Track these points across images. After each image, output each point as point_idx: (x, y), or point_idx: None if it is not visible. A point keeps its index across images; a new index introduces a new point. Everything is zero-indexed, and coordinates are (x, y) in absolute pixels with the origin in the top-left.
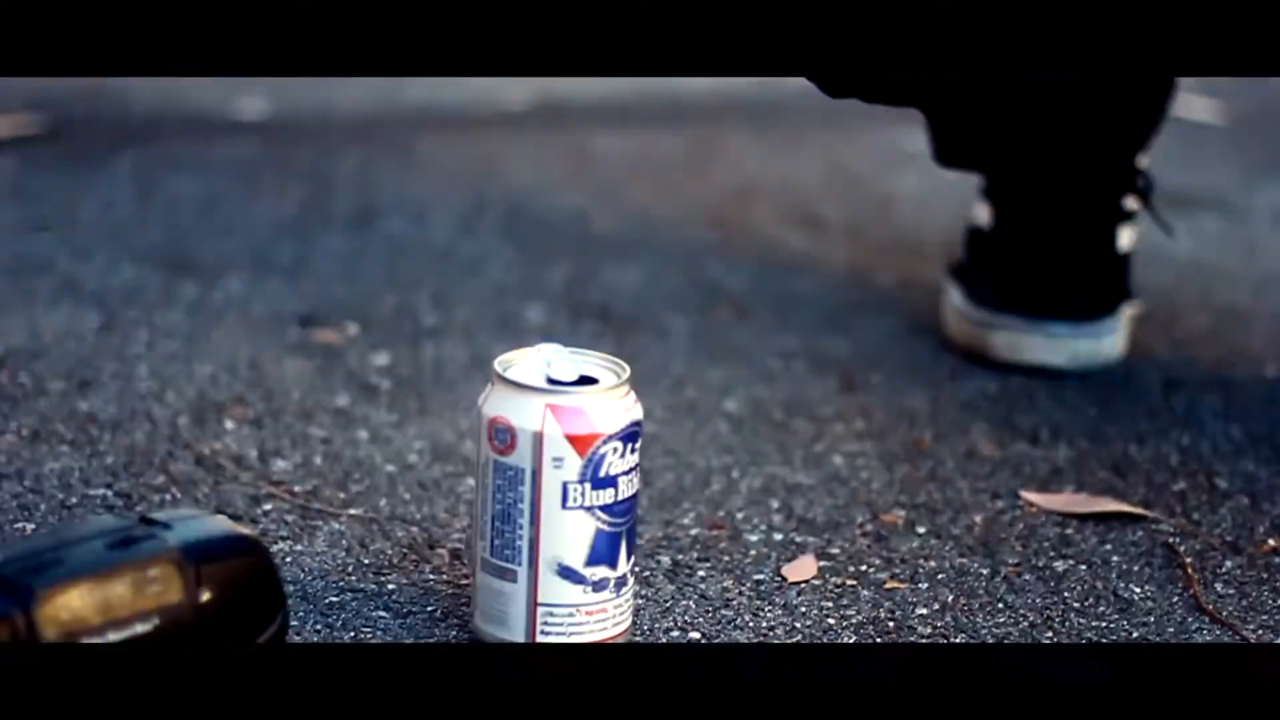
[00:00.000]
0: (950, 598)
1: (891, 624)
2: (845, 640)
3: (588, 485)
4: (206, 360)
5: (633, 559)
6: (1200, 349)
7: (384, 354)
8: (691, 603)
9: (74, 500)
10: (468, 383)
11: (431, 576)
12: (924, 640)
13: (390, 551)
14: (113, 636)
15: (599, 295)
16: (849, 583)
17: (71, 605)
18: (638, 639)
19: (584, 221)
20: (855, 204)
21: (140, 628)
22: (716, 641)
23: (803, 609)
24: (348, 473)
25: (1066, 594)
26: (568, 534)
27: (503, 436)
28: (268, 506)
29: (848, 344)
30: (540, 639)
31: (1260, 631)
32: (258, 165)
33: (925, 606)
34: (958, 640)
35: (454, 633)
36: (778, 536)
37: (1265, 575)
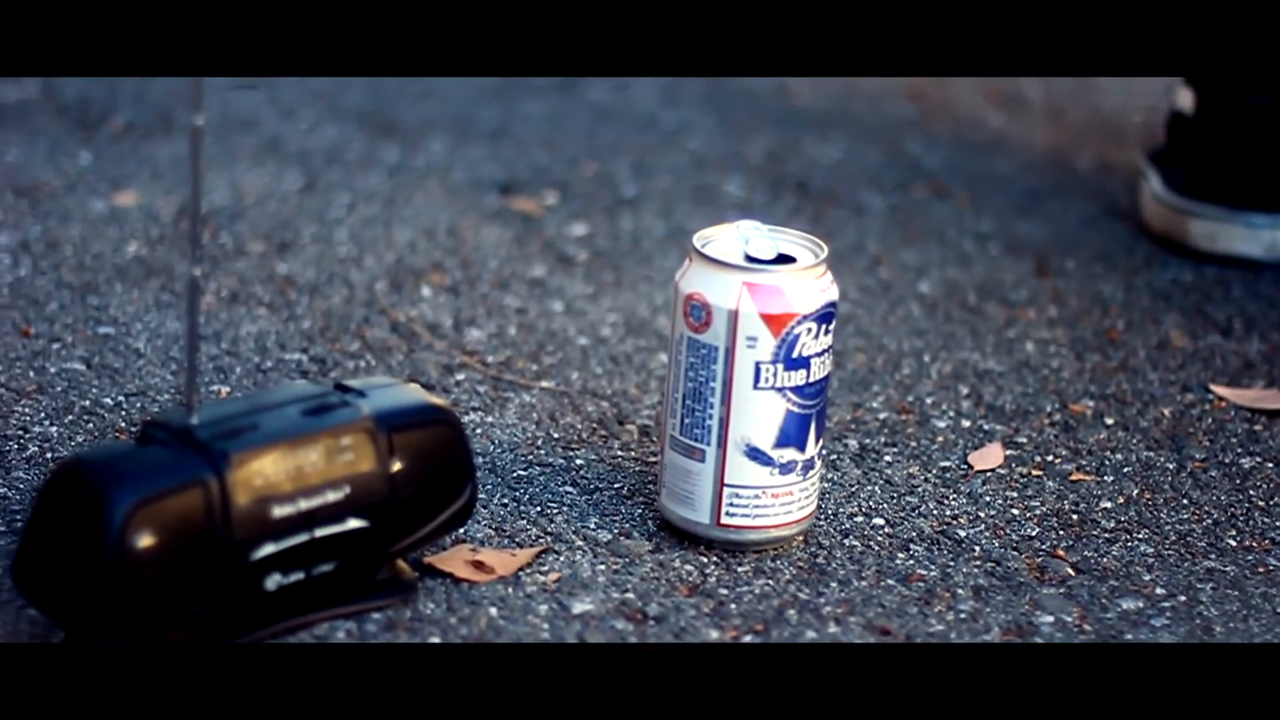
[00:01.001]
0: (1135, 491)
1: (1075, 517)
2: (1029, 532)
3: (780, 366)
4: (405, 226)
5: (821, 442)
6: None
7: (582, 224)
8: (877, 488)
9: (269, 364)
10: (664, 256)
11: (620, 453)
12: (1107, 534)
13: (580, 426)
14: (304, 504)
15: (797, 169)
16: (1034, 473)
17: (264, 471)
18: (821, 523)
19: (784, 94)
20: (1056, 83)
21: (331, 496)
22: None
23: (987, 498)
24: (541, 344)
25: (1252, 491)
26: (758, 415)
27: (698, 313)
28: (460, 376)
29: (1043, 227)
30: (725, 520)
31: None
32: None
33: (1109, 500)
34: (1140, 535)
35: (640, 510)
36: (966, 423)
37: None
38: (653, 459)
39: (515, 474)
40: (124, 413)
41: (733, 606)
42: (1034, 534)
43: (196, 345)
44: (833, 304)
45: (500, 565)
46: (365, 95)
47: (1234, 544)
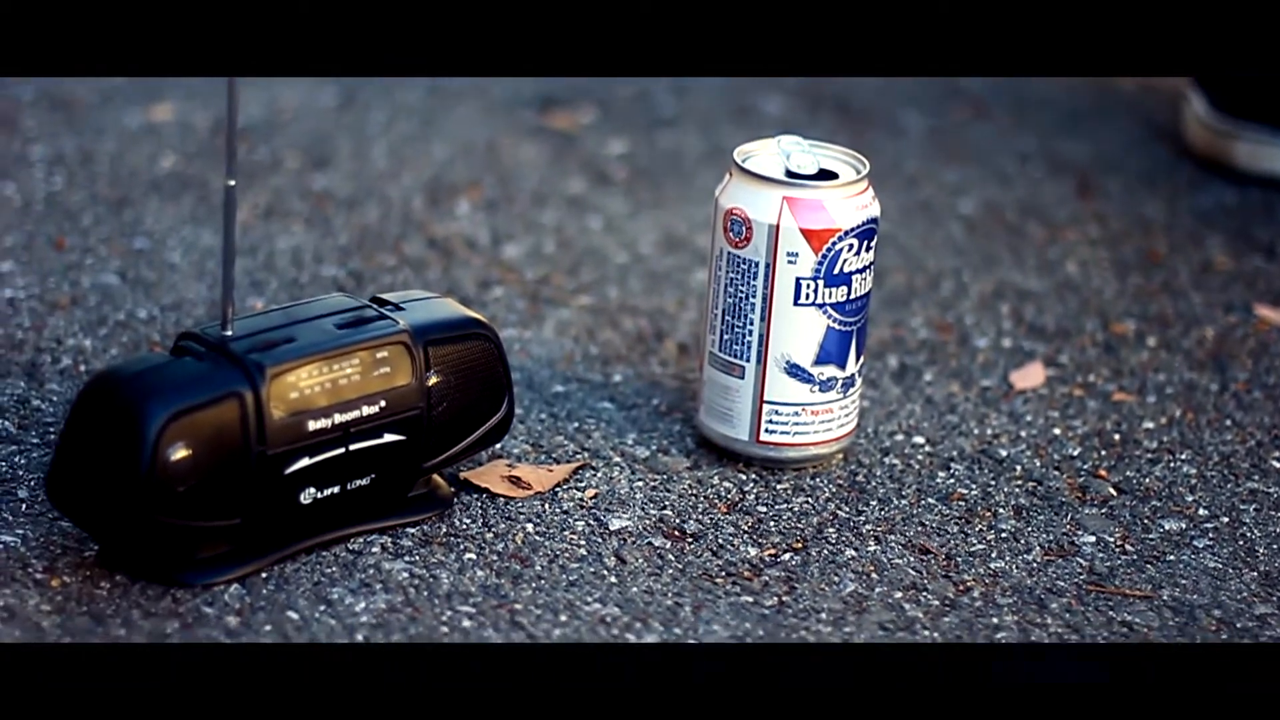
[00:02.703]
0: (1178, 412)
1: (1117, 437)
2: (1071, 451)
3: (821, 282)
4: (443, 142)
5: (861, 360)
6: None
7: (620, 142)
8: (917, 407)
9: (305, 279)
10: (703, 174)
11: (658, 369)
12: (1149, 454)
13: (618, 342)
14: (339, 418)
15: (837, 90)
16: (1076, 393)
17: (300, 384)
18: (861, 442)
19: None
20: None
21: (367, 409)
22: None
23: (1028, 418)
24: (579, 261)
25: None
26: (798, 331)
27: (738, 228)
28: (498, 292)
29: (1085, 147)
30: (764, 438)
31: None
32: None
33: (1152, 420)
34: (1182, 456)
35: (678, 427)
36: (1006, 343)
37: None
38: (691, 375)
39: (553, 390)
40: (158, 326)
41: (771, 524)
42: (1076, 454)
43: (232, 258)
44: (874, 220)
45: (537, 481)
46: None
47: (1277, 465)
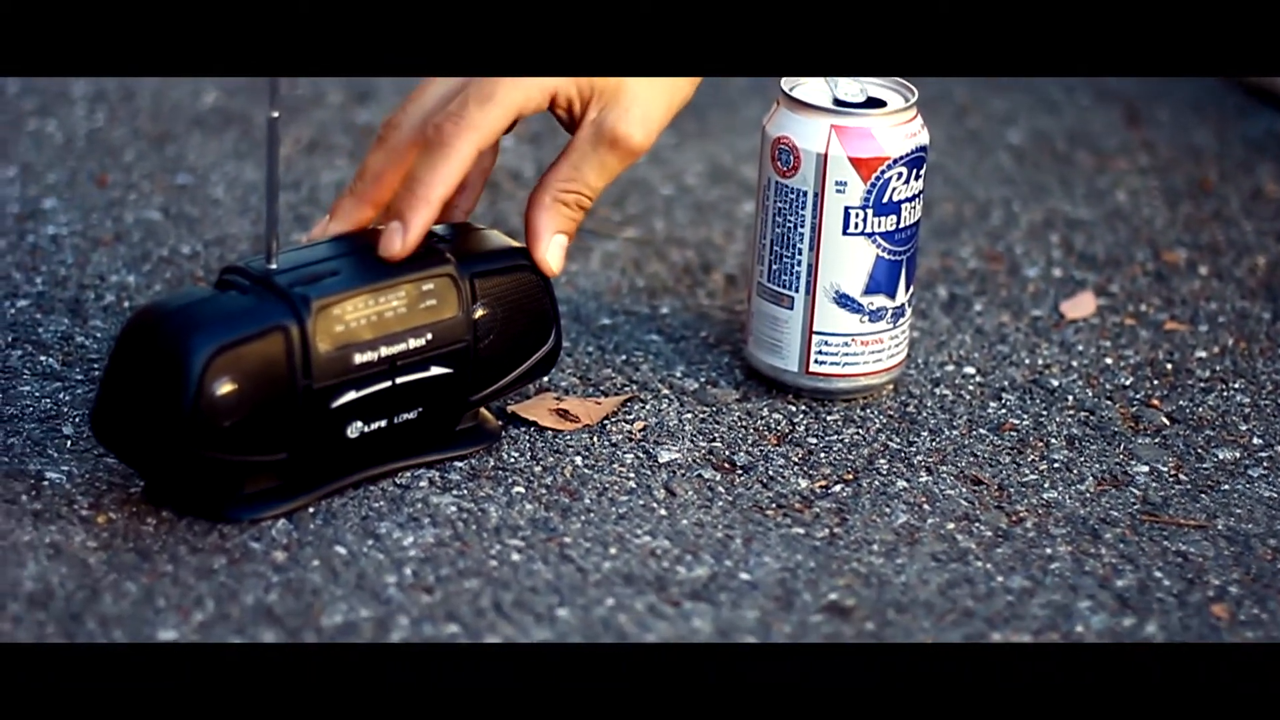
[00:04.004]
0: (1230, 341)
1: (1169, 366)
2: (1123, 381)
3: (870, 211)
4: None
5: (911, 289)
6: None
7: None
8: (967, 337)
9: None
10: (748, 105)
11: (705, 301)
12: (1202, 383)
13: (665, 274)
14: (385, 351)
15: None
16: (1127, 322)
17: (345, 317)
18: (911, 373)
19: None
20: None
21: (413, 342)
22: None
23: (1079, 347)
24: (624, 193)
25: None
26: (847, 261)
27: (786, 158)
28: None
29: (1134, 77)
30: (814, 368)
31: None
32: None
33: (1204, 349)
34: (1235, 385)
35: (726, 359)
36: (1056, 272)
37: None
38: (739, 307)
39: (600, 322)
40: (201, 261)
41: (822, 455)
42: (1128, 383)
43: (276, 191)
44: (923, 148)
45: (585, 414)
46: None
47: None
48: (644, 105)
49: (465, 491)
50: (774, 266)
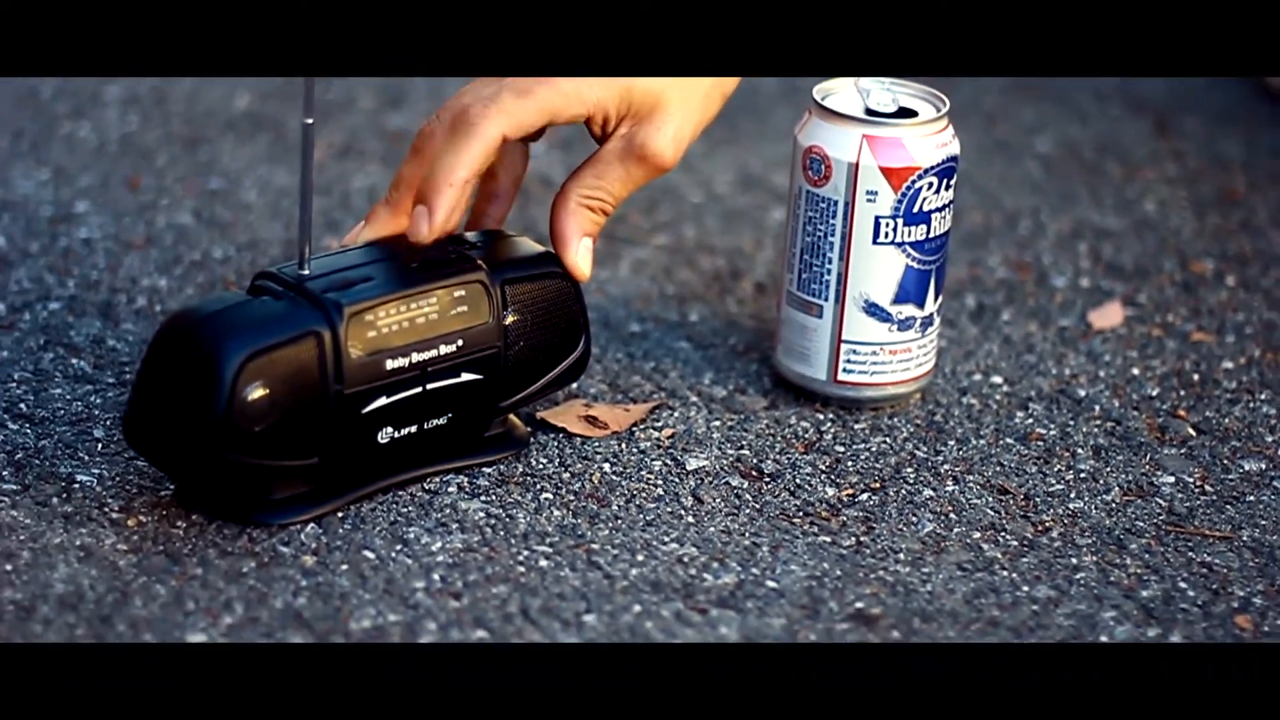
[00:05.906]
0: (1256, 352)
1: (1196, 377)
2: (1150, 392)
3: (900, 220)
4: None
5: (940, 299)
6: None
7: None
8: (995, 346)
9: None
10: (779, 112)
11: (734, 308)
12: (1229, 394)
13: (694, 281)
14: (416, 357)
15: None
16: (1155, 332)
17: (377, 323)
18: (939, 382)
19: None
20: None
21: (444, 349)
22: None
23: (1106, 358)
24: (655, 200)
25: None
26: (877, 270)
27: (817, 167)
28: None
29: (1162, 86)
30: (842, 377)
31: None
32: None
33: (1231, 360)
34: (1262, 396)
35: (755, 366)
36: (1084, 282)
37: None
38: (768, 315)
39: (629, 329)
40: (234, 265)
41: (849, 464)
42: (1154, 394)
43: (309, 196)
44: (954, 158)
45: (614, 421)
46: None
47: None
48: (677, 125)
49: (494, 497)
50: (804, 275)
